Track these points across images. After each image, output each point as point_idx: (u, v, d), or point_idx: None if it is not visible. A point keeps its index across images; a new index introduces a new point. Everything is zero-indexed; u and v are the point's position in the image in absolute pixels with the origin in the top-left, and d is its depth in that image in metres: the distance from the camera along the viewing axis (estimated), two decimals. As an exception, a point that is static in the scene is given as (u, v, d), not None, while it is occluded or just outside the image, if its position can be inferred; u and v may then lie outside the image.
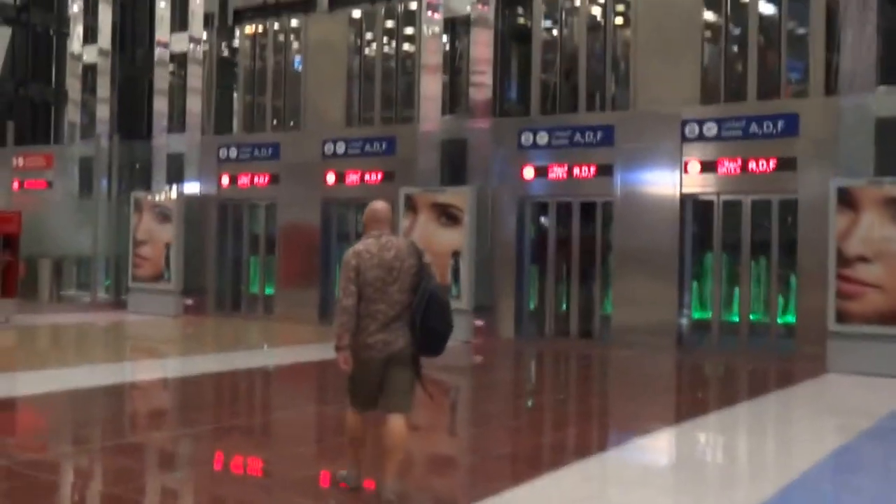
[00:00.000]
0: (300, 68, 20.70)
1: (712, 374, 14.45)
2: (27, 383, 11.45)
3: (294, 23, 20.88)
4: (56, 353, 15.55)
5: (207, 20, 21.68)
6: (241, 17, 21.60)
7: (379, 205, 6.39)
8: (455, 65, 18.48)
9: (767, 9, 15.81)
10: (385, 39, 19.70)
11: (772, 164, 15.02)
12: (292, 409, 10.72)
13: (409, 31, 19.32)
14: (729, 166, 15.37)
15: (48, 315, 20.40)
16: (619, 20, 17.12)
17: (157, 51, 22.39)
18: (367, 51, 19.91)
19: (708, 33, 16.17)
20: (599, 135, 16.51)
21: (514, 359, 16.12)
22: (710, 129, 15.50)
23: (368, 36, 19.91)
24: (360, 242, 6.26)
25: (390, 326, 6.07)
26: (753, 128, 15.19)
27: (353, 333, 6.07)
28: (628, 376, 14.02)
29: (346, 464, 6.60)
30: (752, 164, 15.17)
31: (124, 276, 22.15)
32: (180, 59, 22.24)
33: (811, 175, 14.71)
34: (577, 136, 16.70)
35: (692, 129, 15.65)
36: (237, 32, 21.65)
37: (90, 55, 23.75)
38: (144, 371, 13.58)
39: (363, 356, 6.09)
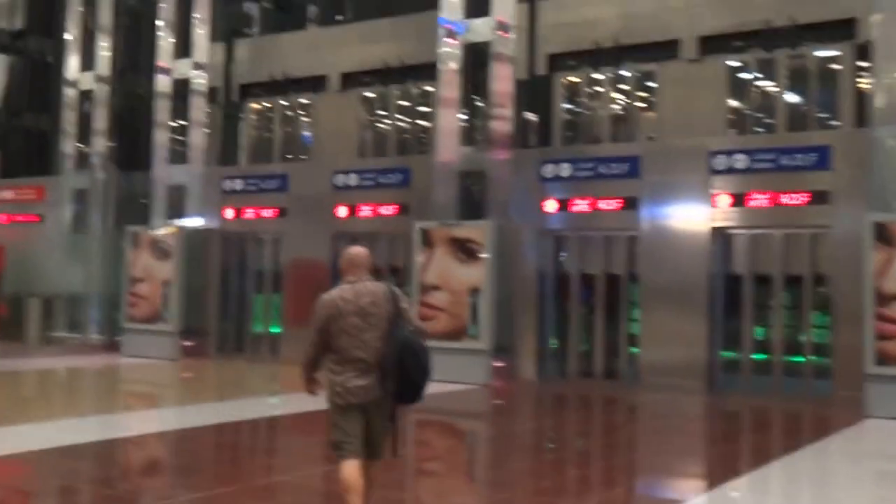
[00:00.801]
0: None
1: (746, 422, 13.68)
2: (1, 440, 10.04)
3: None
4: (37, 404, 13.92)
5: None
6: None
7: (356, 250, 6.36)
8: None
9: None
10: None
11: (804, 197, 14.46)
12: (301, 468, 9.49)
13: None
14: (759, 199, 14.81)
15: (34, 358, 19.26)
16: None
17: (158, 78, 21.62)
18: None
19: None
20: (625, 166, 15.93)
21: (535, 403, 15.41)
22: (740, 161, 14.96)
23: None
24: (335, 289, 6.20)
25: (369, 374, 6.02)
26: (784, 160, 14.64)
27: (332, 378, 6.12)
28: (658, 425, 13.09)
29: None
30: (783, 198, 14.63)
31: (119, 316, 21.02)
32: (181, 88, 21.58)
33: (844, 208, 14.17)
34: (602, 168, 16.09)
35: (720, 161, 15.10)
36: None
37: (87, 82, 22.89)
38: (136, 424, 12.15)
39: (341, 402, 6.07)
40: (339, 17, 22.29)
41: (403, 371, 5.96)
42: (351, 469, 6.04)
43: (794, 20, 15.53)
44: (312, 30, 22.37)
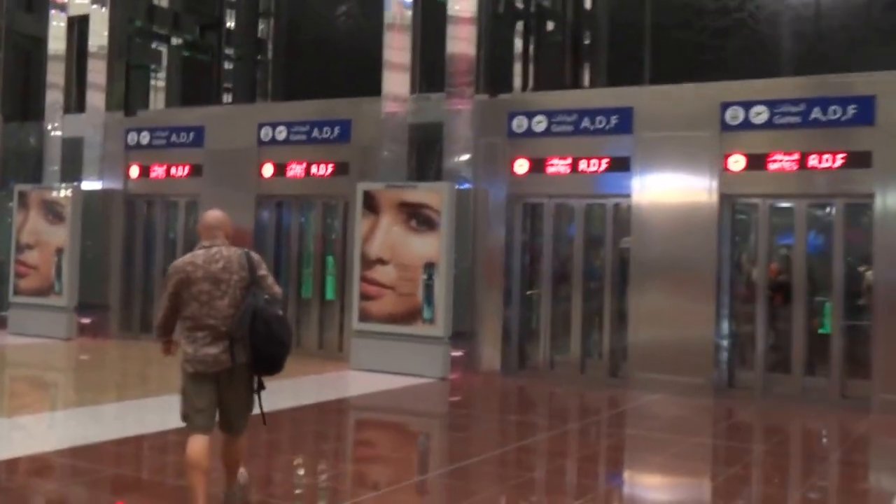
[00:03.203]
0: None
1: (760, 440, 11.16)
2: None
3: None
4: None
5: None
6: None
7: (212, 213, 6.20)
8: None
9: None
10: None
11: (838, 159, 11.91)
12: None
13: None
14: (783, 162, 12.23)
15: None
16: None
17: (52, 14, 18.34)
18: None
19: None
20: (613, 119, 13.22)
21: (500, 402, 12.75)
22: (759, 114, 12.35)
23: None
24: (188, 254, 6.05)
25: (221, 342, 5.84)
26: (816, 112, 12.06)
27: (184, 346, 5.94)
28: (650, 439, 10.28)
29: None
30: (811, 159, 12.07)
31: (4, 288, 17.95)
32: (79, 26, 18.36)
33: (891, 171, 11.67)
34: (586, 121, 13.38)
35: (735, 115, 12.48)
36: None
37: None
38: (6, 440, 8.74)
39: (191, 370, 5.88)
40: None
41: (256, 340, 5.75)
42: (197, 444, 5.82)
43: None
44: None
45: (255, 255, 6.08)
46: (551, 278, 13.83)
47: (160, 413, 9.62)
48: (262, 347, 5.78)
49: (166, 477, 7.80)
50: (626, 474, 8.77)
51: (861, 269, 12.13)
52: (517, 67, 16.16)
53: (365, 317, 13.93)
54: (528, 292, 13.99)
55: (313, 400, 11.40)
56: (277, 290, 6.09)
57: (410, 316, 13.58)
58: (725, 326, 12.60)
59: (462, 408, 12.16)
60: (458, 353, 13.63)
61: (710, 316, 12.45)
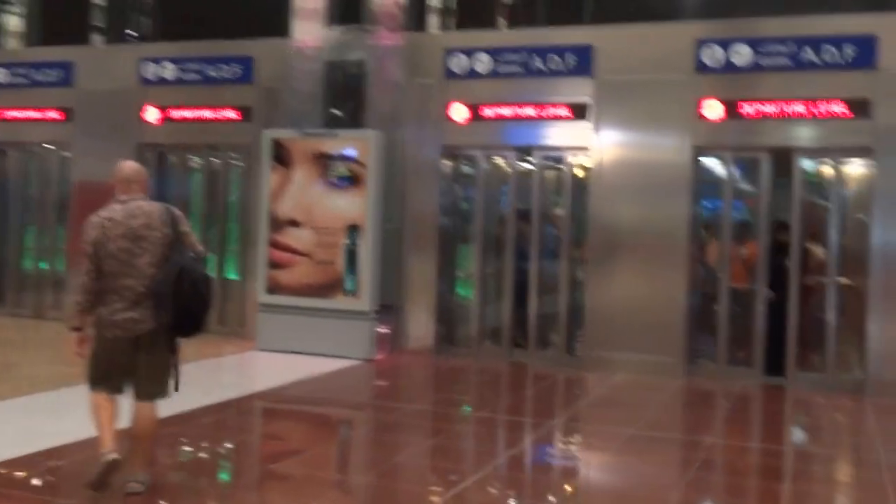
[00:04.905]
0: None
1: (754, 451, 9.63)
2: None
3: None
4: None
5: None
6: None
7: (128, 165, 5.80)
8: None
9: None
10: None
11: (841, 106, 10.38)
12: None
13: None
14: (763, 107, 10.65)
15: None
16: None
17: None
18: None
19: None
20: (571, 59, 11.40)
21: (434, 386, 10.90)
22: (738, 51, 10.72)
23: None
24: (103, 209, 5.62)
25: (141, 304, 5.47)
26: (807, 53, 10.50)
27: (98, 309, 5.53)
28: (617, 433, 8.61)
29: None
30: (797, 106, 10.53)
31: None
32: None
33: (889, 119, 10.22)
34: (537, 61, 11.52)
35: (711, 53, 10.82)
36: None
37: None
38: None
39: (109, 335, 5.51)
40: None
41: (180, 300, 5.40)
42: (101, 395, 5.54)
43: None
44: None
45: (177, 211, 5.74)
46: (494, 243, 11.99)
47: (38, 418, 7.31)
48: (187, 308, 5.48)
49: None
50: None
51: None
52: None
53: (274, 288, 11.81)
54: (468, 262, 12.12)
55: (215, 398, 8.78)
56: (201, 248, 5.78)
57: (329, 287, 11.54)
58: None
59: (392, 399, 10.17)
60: (383, 330, 11.69)
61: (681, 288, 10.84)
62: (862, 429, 9.16)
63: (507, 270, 11.85)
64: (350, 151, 11.52)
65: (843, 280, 10.55)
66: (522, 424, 8.89)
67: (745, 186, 11.28)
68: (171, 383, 5.67)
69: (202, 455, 7.21)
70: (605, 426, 8.67)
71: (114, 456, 5.38)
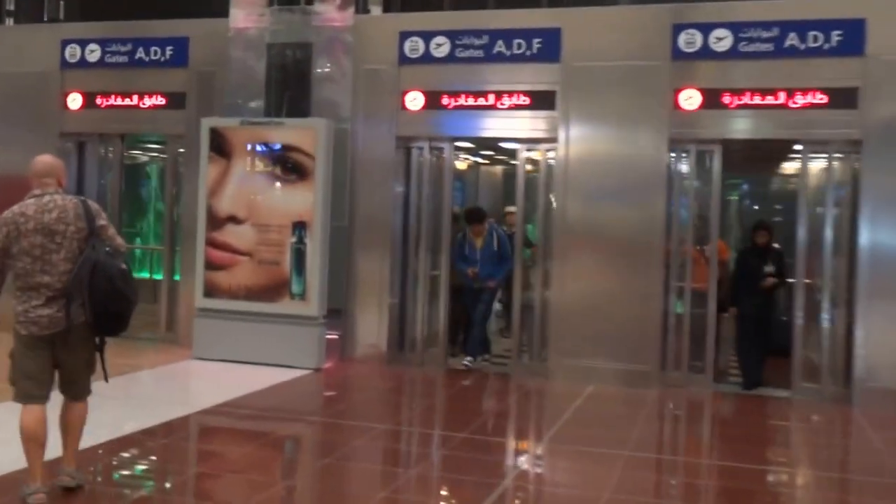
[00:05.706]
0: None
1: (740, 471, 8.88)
2: None
3: None
4: None
5: None
6: None
7: (42, 157, 5.64)
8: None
9: None
10: None
11: (818, 96, 9.71)
12: None
13: None
14: (750, 98, 9.94)
15: None
16: None
17: None
18: None
19: None
20: (536, 44, 10.56)
21: (388, 401, 9.96)
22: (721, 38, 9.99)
23: None
24: (17, 204, 5.44)
25: (57, 301, 5.31)
26: (793, 38, 9.80)
27: (15, 306, 5.39)
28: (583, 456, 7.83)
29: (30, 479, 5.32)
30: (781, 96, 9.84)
31: None
32: None
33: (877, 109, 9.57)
34: (499, 45, 10.65)
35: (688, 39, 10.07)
36: None
37: None
38: None
39: (24, 332, 5.35)
40: None
41: (96, 296, 5.24)
42: (32, 415, 5.30)
43: None
44: None
45: (94, 204, 5.59)
46: (440, 244, 11.11)
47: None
48: (105, 305, 5.29)
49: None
50: None
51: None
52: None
53: (212, 291, 10.78)
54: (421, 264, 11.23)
55: (149, 420, 7.66)
56: (120, 241, 5.64)
57: (274, 290, 10.55)
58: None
59: (345, 416, 9.21)
60: (331, 336, 10.76)
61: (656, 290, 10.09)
62: None
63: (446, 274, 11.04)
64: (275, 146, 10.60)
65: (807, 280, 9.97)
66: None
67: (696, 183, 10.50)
68: (99, 377, 5.58)
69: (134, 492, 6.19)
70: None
71: (41, 497, 5.27)
